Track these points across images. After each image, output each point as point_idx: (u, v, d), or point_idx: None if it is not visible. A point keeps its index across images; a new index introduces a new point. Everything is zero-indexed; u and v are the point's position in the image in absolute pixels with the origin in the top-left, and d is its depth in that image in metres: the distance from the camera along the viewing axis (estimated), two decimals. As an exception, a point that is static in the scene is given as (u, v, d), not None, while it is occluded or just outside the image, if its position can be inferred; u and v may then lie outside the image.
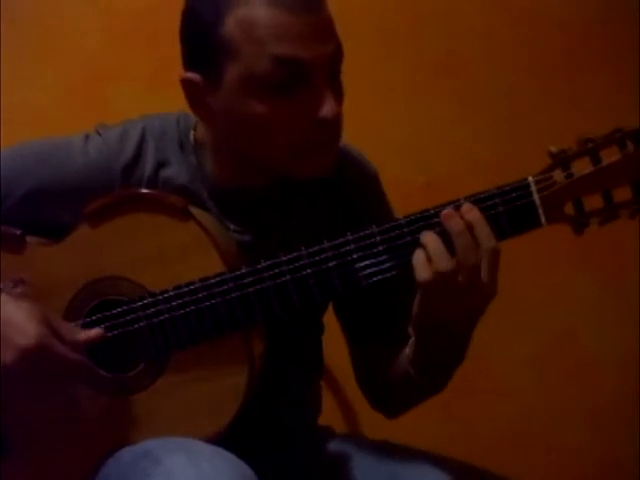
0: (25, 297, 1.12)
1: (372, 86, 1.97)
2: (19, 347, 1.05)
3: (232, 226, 1.22)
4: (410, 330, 1.15)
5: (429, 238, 1.04)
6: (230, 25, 1.09)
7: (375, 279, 1.08)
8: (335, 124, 1.12)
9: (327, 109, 1.09)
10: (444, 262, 1.02)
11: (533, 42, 2.03)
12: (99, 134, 1.23)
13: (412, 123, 1.99)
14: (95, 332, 1.14)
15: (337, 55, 1.12)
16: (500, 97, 2.02)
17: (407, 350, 1.16)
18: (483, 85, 2.02)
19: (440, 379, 1.16)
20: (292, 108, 1.10)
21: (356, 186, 1.28)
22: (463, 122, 2.01)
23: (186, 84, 1.14)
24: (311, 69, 1.08)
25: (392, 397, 1.28)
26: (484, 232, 1.03)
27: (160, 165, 1.21)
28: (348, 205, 1.28)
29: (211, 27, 1.10)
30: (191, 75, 1.14)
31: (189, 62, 1.15)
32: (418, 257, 1.04)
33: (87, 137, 1.23)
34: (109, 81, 1.87)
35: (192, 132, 1.23)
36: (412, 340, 1.14)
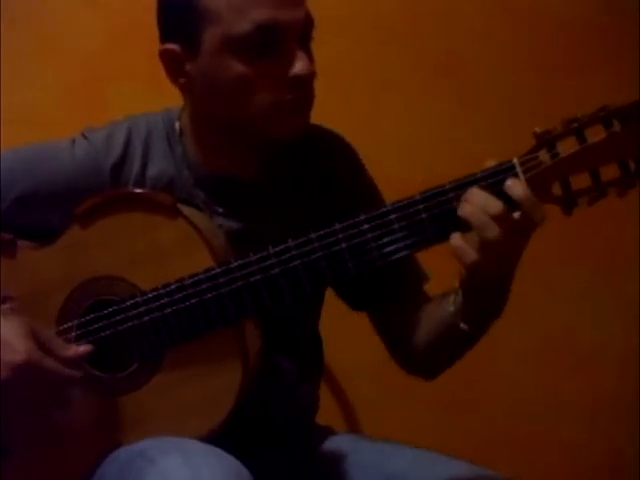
0: (13, 313, 1.13)
1: (372, 85, 1.97)
2: (8, 363, 1.07)
3: (220, 209, 1.24)
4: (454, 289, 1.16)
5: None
6: None
7: (362, 269, 1.10)
8: (308, 82, 1.17)
9: (301, 66, 1.15)
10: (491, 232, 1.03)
11: (533, 42, 2.03)
12: (85, 137, 1.25)
13: (411, 122, 1.99)
14: (83, 348, 1.15)
15: (308, 22, 1.18)
16: (500, 97, 2.02)
17: (450, 308, 1.16)
18: (483, 85, 2.02)
19: (489, 323, 1.17)
20: (268, 67, 1.15)
21: (340, 167, 1.32)
22: (463, 122, 2.01)
23: (165, 55, 1.19)
24: (286, 32, 1.14)
25: (431, 357, 1.27)
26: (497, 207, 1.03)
27: (147, 163, 1.24)
28: (334, 186, 1.30)
29: None
30: (170, 46, 1.18)
31: (167, 34, 1.20)
32: (458, 239, 1.05)
33: (74, 141, 1.25)
34: (109, 81, 1.87)
35: (177, 122, 1.26)
36: (457, 298, 1.15)
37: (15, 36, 1.82)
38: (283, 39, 1.14)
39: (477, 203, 1.04)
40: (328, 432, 1.37)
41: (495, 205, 1.03)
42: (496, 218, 1.02)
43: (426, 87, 2.00)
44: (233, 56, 1.14)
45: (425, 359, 1.28)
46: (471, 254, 1.04)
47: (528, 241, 1.06)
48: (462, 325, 1.15)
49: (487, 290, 1.10)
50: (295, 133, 1.19)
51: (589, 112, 1.02)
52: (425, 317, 1.26)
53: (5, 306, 1.15)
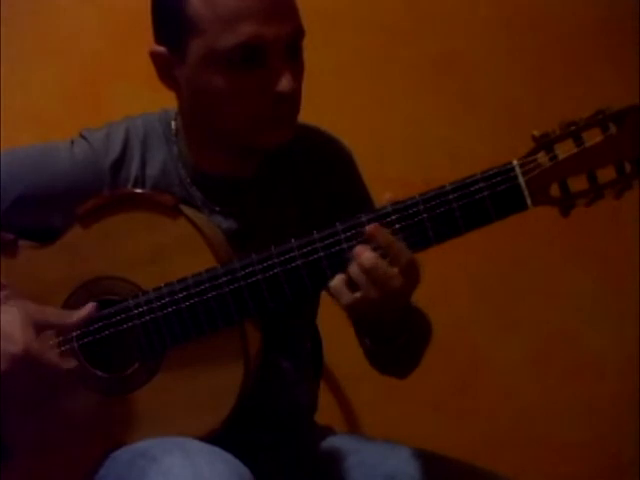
0: (6, 301, 1.13)
1: (372, 85, 1.97)
2: (8, 354, 1.08)
3: (217, 208, 1.25)
4: None
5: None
6: (194, 2, 1.14)
7: None
8: (292, 98, 1.17)
9: (284, 84, 1.15)
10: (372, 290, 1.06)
11: (533, 42, 2.03)
12: (84, 137, 1.26)
13: (412, 122, 1.99)
14: (87, 309, 1.16)
15: (296, 34, 1.17)
16: (500, 97, 2.02)
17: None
18: (483, 85, 2.02)
19: (398, 346, 1.18)
20: (251, 83, 1.15)
21: (334, 167, 1.32)
22: (463, 122, 2.01)
23: (154, 57, 1.20)
24: (270, 47, 1.14)
25: (383, 364, 1.31)
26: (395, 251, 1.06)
27: (145, 162, 1.24)
28: (327, 189, 1.31)
29: (177, 3, 1.15)
30: (159, 48, 1.19)
31: (158, 36, 1.20)
32: (337, 284, 1.08)
33: (72, 142, 1.26)
34: (109, 81, 1.87)
35: (173, 122, 1.27)
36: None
37: (15, 36, 1.82)
38: (268, 54, 1.14)
39: (361, 263, 1.06)
40: (328, 432, 1.37)
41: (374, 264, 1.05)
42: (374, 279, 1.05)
43: (427, 87, 2.00)
44: (216, 69, 1.14)
45: (384, 367, 1.32)
46: (347, 297, 1.07)
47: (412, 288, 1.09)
48: (366, 340, 1.19)
49: (375, 323, 1.13)
50: (278, 143, 1.20)
51: (587, 115, 1.04)
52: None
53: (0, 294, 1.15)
